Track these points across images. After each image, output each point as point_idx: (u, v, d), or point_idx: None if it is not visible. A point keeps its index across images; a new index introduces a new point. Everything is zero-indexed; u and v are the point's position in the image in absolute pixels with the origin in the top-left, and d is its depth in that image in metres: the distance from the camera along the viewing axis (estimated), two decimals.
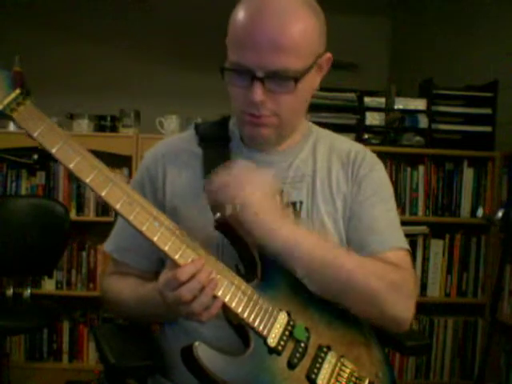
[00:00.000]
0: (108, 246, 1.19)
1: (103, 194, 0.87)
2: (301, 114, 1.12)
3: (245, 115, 1.04)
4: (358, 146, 1.20)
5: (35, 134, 0.84)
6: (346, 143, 1.20)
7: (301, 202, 1.10)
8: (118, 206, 0.88)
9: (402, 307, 1.03)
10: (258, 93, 0.98)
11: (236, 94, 1.03)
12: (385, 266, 1.04)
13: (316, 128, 1.22)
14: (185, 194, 1.10)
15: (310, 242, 0.99)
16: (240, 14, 0.99)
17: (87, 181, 0.86)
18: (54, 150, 0.85)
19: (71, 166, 0.86)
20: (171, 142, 1.21)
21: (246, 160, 1.07)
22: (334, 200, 1.12)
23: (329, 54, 1.07)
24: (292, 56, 0.97)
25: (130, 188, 0.90)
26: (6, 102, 0.84)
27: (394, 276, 1.03)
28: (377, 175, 1.16)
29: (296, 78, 0.99)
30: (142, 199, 0.91)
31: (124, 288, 1.13)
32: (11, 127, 2.60)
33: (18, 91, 0.85)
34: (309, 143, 1.17)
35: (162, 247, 0.90)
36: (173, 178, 1.12)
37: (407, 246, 1.12)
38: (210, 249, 0.98)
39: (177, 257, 0.90)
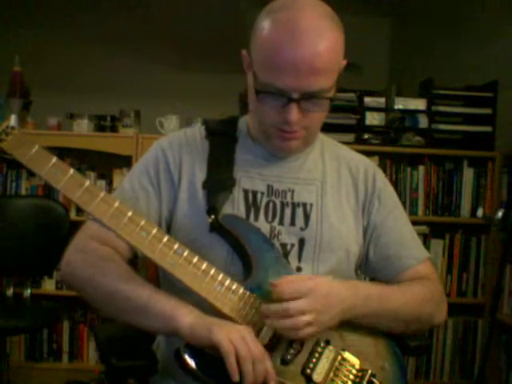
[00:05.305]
0: None
1: (90, 209, 0.94)
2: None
3: (275, 130, 1.06)
4: (364, 158, 1.25)
5: (24, 161, 0.93)
6: (350, 153, 1.24)
7: (311, 205, 1.12)
8: (105, 220, 0.94)
9: (442, 315, 1.18)
10: (294, 114, 1.00)
11: (267, 111, 1.03)
12: (426, 286, 1.15)
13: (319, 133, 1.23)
14: (198, 183, 1.10)
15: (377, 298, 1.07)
16: (271, 35, 0.98)
17: (74, 199, 0.94)
18: (42, 173, 0.93)
19: (59, 186, 0.93)
20: (183, 133, 1.19)
21: (254, 156, 1.12)
22: (343, 206, 1.15)
23: (345, 62, 1.07)
24: (325, 76, 0.99)
25: (118, 202, 0.96)
26: None
27: (436, 292, 1.16)
28: (390, 189, 1.24)
29: (330, 97, 1.01)
30: (130, 211, 0.95)
31: (114, 272, 0.98)
32: None
33: (6, 123, 0.91)
34: (316, 147, 1.19)
35: (149, 255, 0.95)
36: (188, 167, 1.12)
37: (428, 254, 1.22)
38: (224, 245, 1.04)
39: (164, 263, 0.95)
